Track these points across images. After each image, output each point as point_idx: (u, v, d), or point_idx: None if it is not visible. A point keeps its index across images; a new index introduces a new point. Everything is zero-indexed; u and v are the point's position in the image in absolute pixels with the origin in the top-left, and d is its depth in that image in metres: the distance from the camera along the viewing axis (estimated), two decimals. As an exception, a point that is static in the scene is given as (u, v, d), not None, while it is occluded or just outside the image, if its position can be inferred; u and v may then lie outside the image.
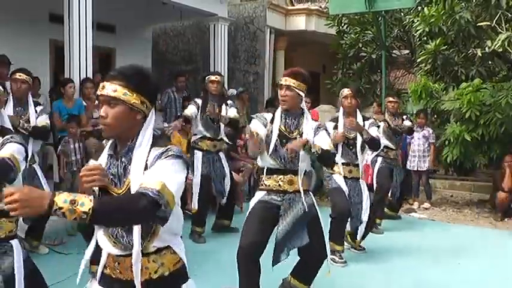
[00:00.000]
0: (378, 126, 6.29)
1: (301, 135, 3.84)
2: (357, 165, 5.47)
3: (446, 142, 8.33)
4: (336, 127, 5.40)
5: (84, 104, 7.11)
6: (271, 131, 3.84)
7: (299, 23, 12.32)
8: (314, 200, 3.95)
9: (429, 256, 5.80)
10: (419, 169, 8.69)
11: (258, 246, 3.71)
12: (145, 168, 2.05)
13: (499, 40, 7.02)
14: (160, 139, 2.18)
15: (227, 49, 10.74)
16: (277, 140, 3.81)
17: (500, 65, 8.81)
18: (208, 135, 6.20)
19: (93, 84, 7.35)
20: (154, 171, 2.00)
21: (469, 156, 8.31)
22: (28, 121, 5.31)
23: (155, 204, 1.90)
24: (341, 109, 5.56)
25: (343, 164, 5.40)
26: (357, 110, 5.52)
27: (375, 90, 10.84)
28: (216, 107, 6.21)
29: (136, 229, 2.04)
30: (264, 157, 3.86)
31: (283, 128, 3.86)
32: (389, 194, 7.05)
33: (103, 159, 2.18)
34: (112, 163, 2.15)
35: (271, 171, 3.86)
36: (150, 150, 2.08)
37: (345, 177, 5.40)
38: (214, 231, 6.57)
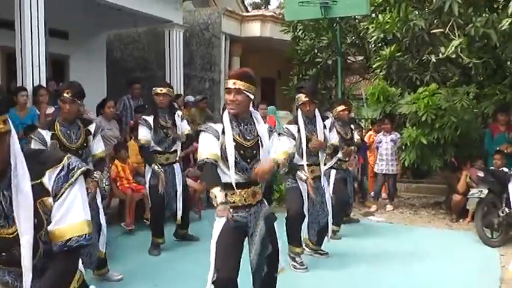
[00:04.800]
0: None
1: (259, 142, 3.54)
2: (318, 164, 5.48)
3: (403, 146, 8.47)
4: (298, 130, 5.32)
5: (38, 112, 6.90)
6: (226, 144, 3.44)
7: (254, 29, 12.37)
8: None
9: (387, 259, 5.88)
10: (387, 172, 8.86)
11: (235, 278, 3.42)
12: (48, 194, 1.85)
13: (452, 46, 7.16)
14: (39, 153, 2.01)
15: (182, 56, 10.65)
16: (235, 152, 3.43)
17: (453, 70, 9.01)
18: (159, 149, 5.97)
19: (46, 92, 7.15)
20: (71, 205, 1.86)
21: (425, 159, 8.46)
22: None
23: (89, 245, 1.90)
24: (299, 111, 5.42)
25: (309, 165, 5.38)
26: (316, 111, 5.42)
27: (330, 96, 10.93)
28: (168, 119, 6.01)
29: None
30: (226, 173, 3.47)
31: (237, 137, 3.47)
32: None
33: None
34: None
35: (234, 186, 3.48)
36: (44, 173, 1.85)
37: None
38: (176, 240, 6.48)
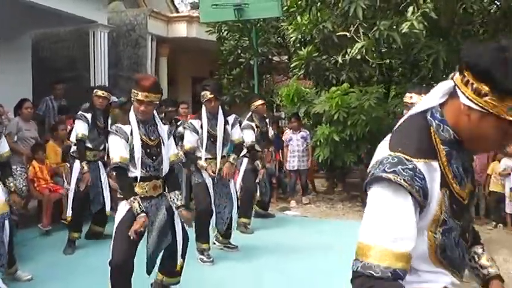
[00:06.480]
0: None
1: (161, 141, 4.07)
2: (223, 157, 5.76)
3: (318, 143, 8.83)
4: (201, 126, 5.63)
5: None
6: (133, 143, 3.94)
7: (181, 30, 12.45)
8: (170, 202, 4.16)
9: (296, 252, 6.10)
10: (299, 168, 9.22)
11: (131, 263, 3.83)
12: None
13: (356, 48, 7.57)
14: None
15: (108, 56, 10.69)
16: (142, 150, 3.94)
17: (369, 70, 9.40)
18: (91, 146, 6.40)
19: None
20: None
21: (339, 155, 8.85)
22: None
23: None
24: (204, 107, 5.70)
25: (209, 159, 5.68)
26: (220, 107, 5.74)
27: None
28: (103, 122, 6.54)
29: None
30: (131, 170, 3.98)
31: (143, 137, 3.98)
32: (259, 194, 7.37)
33: None
34: None
35: (138, 181, 3.99)
36: None
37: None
38: (87, 239, 6.60)
